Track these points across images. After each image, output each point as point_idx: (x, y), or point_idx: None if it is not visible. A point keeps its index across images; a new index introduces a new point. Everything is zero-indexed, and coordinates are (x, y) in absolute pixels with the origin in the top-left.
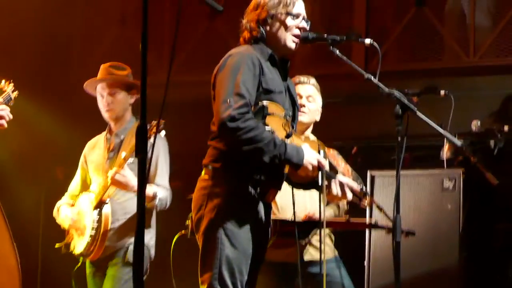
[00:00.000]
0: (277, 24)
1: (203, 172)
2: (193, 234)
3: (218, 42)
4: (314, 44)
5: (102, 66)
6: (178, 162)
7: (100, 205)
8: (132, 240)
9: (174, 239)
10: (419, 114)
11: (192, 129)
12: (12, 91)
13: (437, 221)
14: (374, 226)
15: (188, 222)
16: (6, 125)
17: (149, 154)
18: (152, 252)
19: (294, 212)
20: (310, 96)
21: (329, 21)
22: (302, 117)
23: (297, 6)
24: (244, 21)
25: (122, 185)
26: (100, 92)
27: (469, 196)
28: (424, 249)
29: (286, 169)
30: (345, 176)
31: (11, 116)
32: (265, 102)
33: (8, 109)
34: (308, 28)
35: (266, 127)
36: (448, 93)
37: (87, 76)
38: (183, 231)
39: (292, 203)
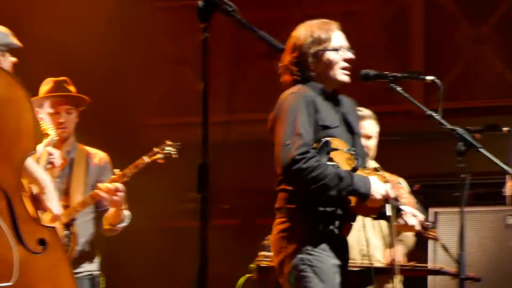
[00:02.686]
0: (320, 61)
1: (278, 215)
2: (261, 286)
3: (277, 80)
4: (374, 82)
5: (53, 80)
6: (236, 200)
7: (69, 222)
8: (91, 267)
9: (241, 282)
10: (482, 151)
11: (251, 167)
12: (54, 134)
13: (500, 258)
14: (440, 272)
15: (253, 266)
16: (58, 164)
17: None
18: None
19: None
20: (368, 136)
21: (386, 60)
22: None
23: (335, 39)
24: (282, 64)
25: (117, 203)
26: (55, 108)
27: None
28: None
29: (353, 202)
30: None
31: (61, 161)
32: (328, 138)
33: (58, 152)
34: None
35: (331, 162)
36: (510, 130)
37: (144, 115)
38: (248, 274)
39: (357, 241)
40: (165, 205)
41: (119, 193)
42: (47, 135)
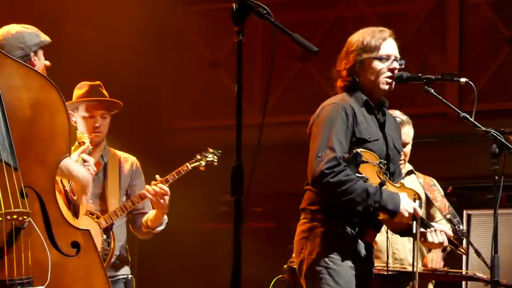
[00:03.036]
0: (366, 69)
1: (301, 217)
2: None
3: (310, 83)
4: (408, 84)
5: (88, 84)
6: (271, 202)
7: (109, 227)
8: (125, 271)
9: (272, 283)
10: None
11: (284, 169)
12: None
13: None
14: (473, 278)
15: (286, 267)
16: (92, 171)
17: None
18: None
19: (387, 261)
20: (405, 143)
21: (421, 61)
22: (401, 166)
23: (384, 48)
24: (336, 70)
25: (163, 205)
26: (90, 112)
27: None
28: None
29: (381, 216)
30: (442, 212)
31: (95, 169)
32: (359, 150)
33: (93, 160)
34: (400, 67)
35: (360, 175)
36: None
37: (178, 118)
38: (281, 275)
39: (390, 245)
40: (199, 208)
41: (166, 197)
42: (83, 143)
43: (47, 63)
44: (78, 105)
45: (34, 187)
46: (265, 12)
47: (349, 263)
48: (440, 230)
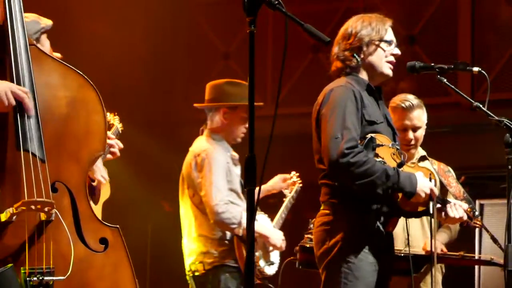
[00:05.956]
0: (372, 51)
1: (322, 207)
2: (302, 265)
3: (322, 74)
4: (420, 74)
5: (243, 84)
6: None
7: None
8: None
9: (283, 265)
10: None
11: (296, 161)
12: (119, 123)
13: None
14: (490, 263)
15: (297, 249)
16: (118, 154)
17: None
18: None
19: (408, 243)
20: (416, 127)
21: (433, 53)
22: (412, 150)
23: (389, 33)
24: (335, 51)
25: None
26: (244, 116)
27: None
28: None
29: (399, 197)
30: (457, 198)
31: (121, 145)
32: (372, 134)
33: (118, 141)
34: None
35: (377, 159)
36: None
37: (191, 110)
38: (292, 257)
39: (405, 231)
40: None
41: None
42: (113, 125)
43: (58, 55)
44: (240, 105)
45: (65, 183)
46: (276, 2)
47: (371, 257)
48: (458, 205)
